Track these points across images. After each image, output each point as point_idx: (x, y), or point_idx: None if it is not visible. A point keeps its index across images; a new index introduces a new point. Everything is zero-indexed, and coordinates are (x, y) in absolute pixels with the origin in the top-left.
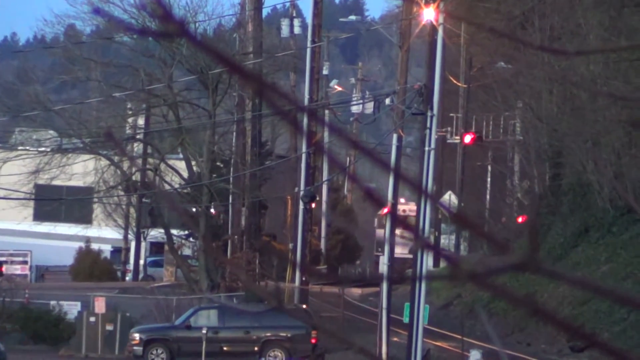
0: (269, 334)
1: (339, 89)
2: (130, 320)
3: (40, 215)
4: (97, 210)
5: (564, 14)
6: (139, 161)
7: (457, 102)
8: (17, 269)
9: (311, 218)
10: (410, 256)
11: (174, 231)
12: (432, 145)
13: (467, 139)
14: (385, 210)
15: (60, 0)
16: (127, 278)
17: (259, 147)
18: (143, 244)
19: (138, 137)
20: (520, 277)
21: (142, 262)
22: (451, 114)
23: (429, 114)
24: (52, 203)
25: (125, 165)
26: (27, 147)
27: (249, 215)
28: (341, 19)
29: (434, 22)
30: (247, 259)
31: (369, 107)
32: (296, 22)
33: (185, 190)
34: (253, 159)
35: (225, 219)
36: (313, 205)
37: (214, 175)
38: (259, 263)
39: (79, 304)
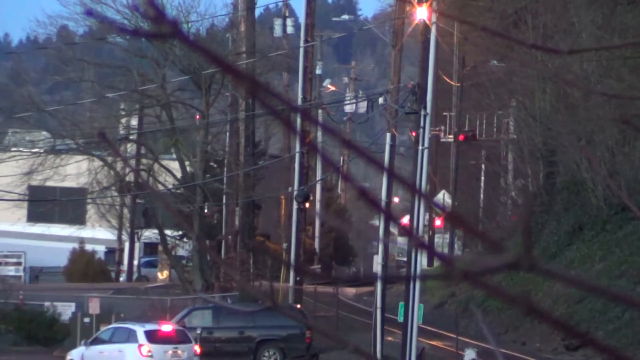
0: (263, 334)
1: (332, 88)
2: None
3: (33, 217)
4: (91, 211)
5: (557, 12)
6: (133, 162)
7: (450, 101)
8: (11, 270)
9: (305, 218)
10: None
11: (167, 232)
12: (426, 144)
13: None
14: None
15: (52, 1)
16: (121, 279)
17: (252, 147)
18: (137, 245)
19: (131, 137)
20: (514, 276)
21: (136, 262)
22: (444, 113)
23: (422, 113)
24: (46, 204)
25: (119, 165)
26: (21, 148)
27: (243, 215)
28: (334, 19)
29: (427, 21)
30: (241, 259)
31: (362, 106)
32: (289, 21)
33: (178, 191)
34: (246, 159)
35: (219, 219)
36: (307, 205)
37: (208, 175)
38: (253, 263)
39: (73, 304)
